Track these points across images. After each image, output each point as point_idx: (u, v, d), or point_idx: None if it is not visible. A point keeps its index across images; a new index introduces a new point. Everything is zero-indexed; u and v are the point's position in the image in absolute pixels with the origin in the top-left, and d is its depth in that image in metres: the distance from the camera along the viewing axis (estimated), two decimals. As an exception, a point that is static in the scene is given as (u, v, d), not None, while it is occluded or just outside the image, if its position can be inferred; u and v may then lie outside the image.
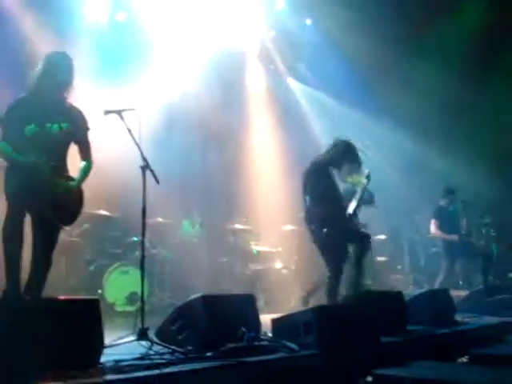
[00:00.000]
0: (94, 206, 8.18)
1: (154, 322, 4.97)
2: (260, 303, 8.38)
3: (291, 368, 4.34)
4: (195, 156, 10.11)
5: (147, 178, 5.02)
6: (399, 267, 11.89)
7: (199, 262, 9.34)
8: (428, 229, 10.26)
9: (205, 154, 10.32)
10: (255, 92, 12.06)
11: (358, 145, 7.70)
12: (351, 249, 7.08)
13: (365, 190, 7.38)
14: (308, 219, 7.00)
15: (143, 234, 5.04)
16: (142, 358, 4.07)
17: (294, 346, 4.52)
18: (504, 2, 11.23)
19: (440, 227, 9.95)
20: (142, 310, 4.87)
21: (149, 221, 7.26)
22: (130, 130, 5.02)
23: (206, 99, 10.45)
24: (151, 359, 4.08)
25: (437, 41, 11.36)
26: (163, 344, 4.49)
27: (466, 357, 5.44)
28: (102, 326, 3.92)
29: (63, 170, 5.13)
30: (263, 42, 12.05)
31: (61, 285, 7.64)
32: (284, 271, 9.87)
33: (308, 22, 12.21)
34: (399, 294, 6.43)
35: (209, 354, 4.16)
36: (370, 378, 4.17)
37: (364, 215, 10.41)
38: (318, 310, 4.83)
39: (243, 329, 4.42)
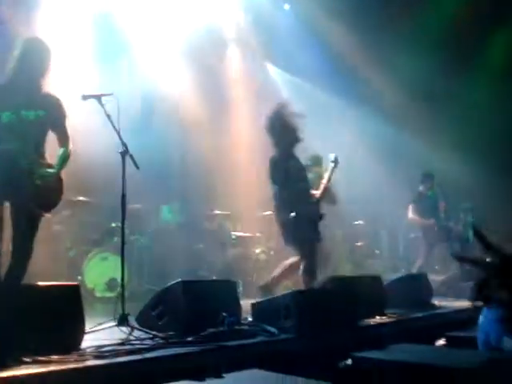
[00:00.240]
0: (73, 192, 8.13)
1: (133, 308, 4.98)
2: (239, 288, 8.42)
3: (271, 352, 4.39)
4: (174, 142, 10.07)
5: (126, 164, 5.01)
6: (378, 252, 11.98)
7: (178, 248, 9.33)
8: (406, 214, 10.36)
9: (184, 141, 10.28)
10: (233, 77, 12.02)
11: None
12: None
13: (332, 173, 7.37)
14: (277, 206, 6.99)
15: (123, 220, 5.03)
16: (122, 344, 4.09)
17: (273, 329, 4.56)
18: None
19: (418, 212, 10.04)
20: (122, 295, 4.88)
21: (128, 207, 7.25)
22: (108, 116, 5.00)
23: (184, 85, 10.41)
24: (132, 344, 4.10)
25: (417, 29, 11.39)
26: (144, 329, 4.51)
27: (443, 339, 5.53)
28: (83, 312, 3.93)
29: (41, 157, 5.08)
30: (241, 26, 12.00)
31: (40, 271, 7.58)
32: (263, 256, 9.89)
33: (286, 6, 12.18)
34: (378, 278, 6.50)
35: (189, 338, 4.19)
36: (349, 361, 4.21)
37: (342, 201, 10.52)
38: (297, 295, 4.88)
39: (223, 313, 4.45)
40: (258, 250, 9.40)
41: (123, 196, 4.98)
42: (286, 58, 12.42)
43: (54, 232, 8.30)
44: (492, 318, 4.78)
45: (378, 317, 5.83)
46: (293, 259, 7.07)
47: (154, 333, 4.36)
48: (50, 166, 5.09)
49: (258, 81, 12.23)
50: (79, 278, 8.07)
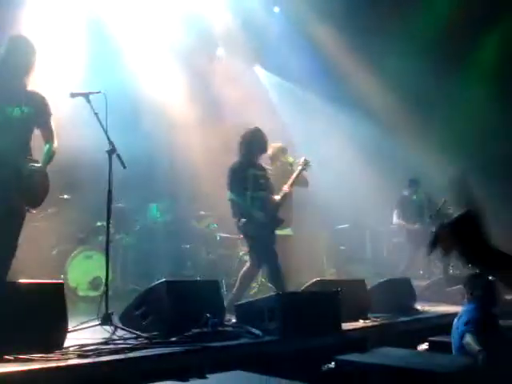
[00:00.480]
0: (58, 190, 8.10)
1: (116, 308, 4.96)
2: (223, 289, 8.41)
3: (255, 353, 4.39)
4: (162, 142, 10.04)
5: (113, 162, 5.00)
6: (361, 256, 12.01)
7: (164, 247, 9.32)
8: (391, 218, 10.39)
9: (172, 141, 10.25)
10: (222, 79, 12.00)
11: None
12: None
13: (298, 176, 7.54)
14: (232, 214, 7.14)
15: (108, 219, 5.02)
16: (106, 343, 4.08)
17: (257, 331, 4.56)
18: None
19: (403, 217, 10.08)
20: (106, 294, 4.86)
21: (114, 206, 7.23)
22: (96, 114, 4.99)
23: (172, 85, 10.39)
24: (115, 344, 4.09)
25: (408, 31, 11.40)
26: (127, 329, 4.50)
27: (426, 344, 5.57)
28: (66, 310, 3.91)
29: (27, 154, 5.06)
30: (231, 29, 11.98)
31: (23, 269, 7.54)
32: (247, 258, 9.88)
33: (276, 9, 12.19)
34: (361, 282, 6.53)
35: (173, 339, 4.19)
36: (332, 364, 4.23)
37: (327, 205, 10.55)
38: (282, 297, 4.88)
39: (207, 314, 4.45)
40: (242, 252, 9.37)
41: (109, 194, 4.96)
42: (275, 61, 12.42)
43: (37, 229, 8.25)
44: (458, 323, 4.84)
45: (361, 320, 5.85)
46: (244, 269, 7.14)
47: (137, 332, 4.35)
48: (35, 162, 5.07)
49: (247, 83, 12.22)
50: (62, 276, 8.03)
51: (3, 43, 5.06)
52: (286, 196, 7.39)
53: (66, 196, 8.66)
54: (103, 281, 5.24)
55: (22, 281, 3.91)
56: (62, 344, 3.80)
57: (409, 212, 10.07)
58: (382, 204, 10.89)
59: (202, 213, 10.09)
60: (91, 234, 8.76)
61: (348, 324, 5.45)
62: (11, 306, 3.55)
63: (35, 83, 5.23)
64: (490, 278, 6.02)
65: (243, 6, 11.38)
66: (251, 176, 6.98)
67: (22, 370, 3.17)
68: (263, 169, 7.27)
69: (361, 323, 5.77)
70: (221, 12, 11.49)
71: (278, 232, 7.35)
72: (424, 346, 5.59)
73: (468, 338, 4.57)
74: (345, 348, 4.61)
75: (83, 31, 9.22)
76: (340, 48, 11.61)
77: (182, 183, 10.06)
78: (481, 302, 5.00)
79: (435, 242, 1.50)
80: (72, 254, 8.32)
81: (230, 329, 4.64)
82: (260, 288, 9.26)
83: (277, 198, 7.24)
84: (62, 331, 3.87)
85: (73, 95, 5.12)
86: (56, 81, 7.25)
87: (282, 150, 8.18)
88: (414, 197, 10.29)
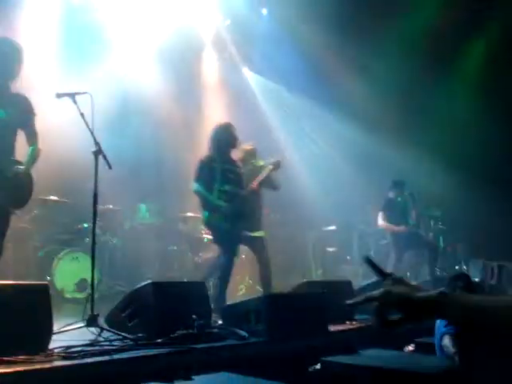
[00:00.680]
0: (44, 191, 8.06)
1: (103, 309, 4.94)
2: (210, 291, 8.38)
3: (241, 355, 4.38)
4: (149, 143, 10.03)
5: (99, 163, 4.98)
6: (348, 258, 12.04)
7: (151, 249, 9.30)
8: (376, 221, 10.40)
9: (158, 141, 10.24)
10: (209, 80, 12.01)
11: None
12: None
13: (267, 175, 7.57)
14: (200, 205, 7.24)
15: (94, 221, 5.00)
16: (91, 345, 4.06)
17: (243, 333, 4.55)
18: (457, 1, 11.42)
19: (388, 219, 10.09)
20: (91, 296, 4.84)
21: (100, 207, 7.20)
22: (82, 115, 4.97)
23: (159, 86, 10.37)
24: (101, 345, 4.07)
25: (394, 36, 11.45)
26: (113, 330, 4.47)
27: (412, 345, 5.58)
28: (51, 312, 3.88)
29: (11, 155, 5.04)
30: (218, 30, 11.99)
31: (9, 271, 7.51)
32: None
33: (264, 11, 12.19)
34: (348, 284, 6.53)
35: (159, 340, 4.17)
36: (318, 366, 4.23)
37: (315, 206, 10.58)
38: (268, 298, 4.88)
39: (193, 316, 4.43)
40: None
41: (95, 196, 4.94)
42: (263, 63, 12.43)
43: (23, 231, 8.21)
44: (440, 325, 4.87)
45: (348, 322, 5.85)
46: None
47: (123, 334, 4.33)
48: (19, 163, 5.05)
49: (234, 84, 12.23)
50: (48, 278, 7.98)
51: None
52: (254, 193, 7.43)
53: (52, 197, 8.62)
54: (89, 282, 5.22)
55: (6, 282, 3.88)
56: (47, 346, 3.78)
57: (394, 214, 10.08)
58: (370, 205, 10.93)
59: (190, 214, 10.07)
60: (78, 236, 8.71)
61: (335, 325, 5.46)
62: (-5, 307, 3.52)
63: (21, 84, 5.21)
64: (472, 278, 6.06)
65: (231, 7, 11.39)
66: (219, 169, 7.02)
67: (6, 372, 3.14)
68: (233, 164, 7.30)
69: (347, 324, 5.78)
70: (209, 13, 11.50)
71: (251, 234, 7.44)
72: (410, 348, 5.60)
73: (446, 340, 4.59)
74: (331, 349, 4.60)
75: (70, 31, 9.19)
76: (327, 50, 11.63)
77: (170, 184, 10.06)
78: None
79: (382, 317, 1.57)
80: (58, 256, 8.26)
81: (216, 330, 4.63)
82: (247, 289, 9.27)
83: (244, 192, 7.27)
84: (47, 333, 3.84)
85: (59, 95, 5.10)
86: (42, 81, 7.22)
87: (251, 153, 8.14)
88: (399, 198, 10.32)
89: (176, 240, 9.92)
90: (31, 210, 8.18)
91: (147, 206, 9.96)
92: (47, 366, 3.41)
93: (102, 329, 4.50)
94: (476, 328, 1.41)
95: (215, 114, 11.60)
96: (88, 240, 8.14)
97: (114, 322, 4.70)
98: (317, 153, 11.91)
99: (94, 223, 5.00)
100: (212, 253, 9.21)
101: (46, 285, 4.07)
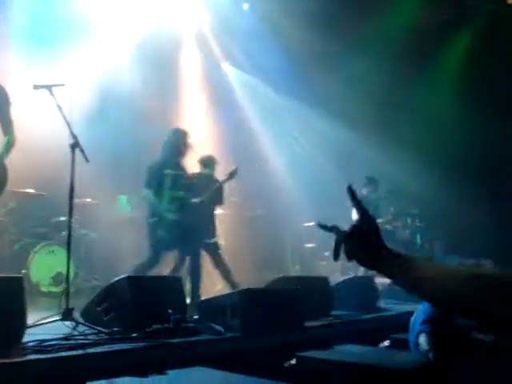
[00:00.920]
0: (20, 184, 7.99)
1: (79, 304, 4.92)
2: (186, 286, 8.38)
3: (216, 350, 4.38)
4: (127, 136, 9.97)
5: (76, 156, 4.95)
6: (327, 254, 12.06)
7: (128, 243, 9.24)
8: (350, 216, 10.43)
9: (137, 135, 10.18)
10: (189, 74, 11.97)
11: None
12: None
13: (223, 183, 7.77)
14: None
15: (70, 214, 4.96)
16: (66, 338, 4.03)
17: (219, 328, 4.55)
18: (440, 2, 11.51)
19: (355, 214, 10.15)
20: (67, 289, 4.81)
21: (77, 201, 7.17)
22: (59, 107, 4.93)
23: (139, 79, 10.31)
24: (76, 339, 4.05)
25: (377, 32, 11.49)
26: (88, 324, 4.45)
27: (388, 341, 5.61)
28: (24, 305, 3.86)
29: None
30: (200, 25, 11.95)
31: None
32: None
33: (245, 6, 12.17)
34: (324, 280, 6.55)
35: (134, 334, 4.15)
36: (293, 361, 4.24)
37: (293, 202, 10.60)
38: (244, 294, 4.87)
39: (169, 310, 4.43)
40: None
41: (71, 189, 4.90)
42: (244, 58, 12.41)
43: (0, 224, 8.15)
44: (415, 322, 4.91)
45: (324, 318, 5.87)
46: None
47: (98, 328, 4.31)
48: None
49: (215, 79, 12.20)
50: (24, 271, 7.92)
51: None
52: (208, 201, 7.56)
53: (28, 190, 8.55)
54: (66, 276, 5.18)
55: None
56: (21, 339, 3.75)
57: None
58: (348, 202, 10.94)
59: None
60: (54, 229, 8.66)
61: (311, 321, 5.47)
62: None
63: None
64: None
65: (213, 2, 11.35)
66: (170, 175, 7.08)
67: (-23, 366, 3.12)
68: (185, 170, 7.38)
69: (323, 320, 5.80)
70: (190, 8, 11.46)
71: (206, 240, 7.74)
72: (386, 344, 5.64)
73: (421, 338, 4.63)
74: (307, 345, 4.61)
75: (49, 23, 9.12)
76: (309, 47, 11.65)
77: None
78: None
79: (338, 248, 1.59)
80: (34, 249, 8.22)
81: (191, 325, 4.62)
82: (225, 285, 9.25)
83: (196, 200, 7.35)
84: (21, 326, 3.81)
85: (36, 87, 5.05)
86: (19, 73, 7.15)
87: (209, 161, 8.24)
88: (372, 196, 10.39)
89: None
90: (7, 202, 8.11)
91: (128, 197, 9.90)
92: (21, 359, 3.38)
93: (78, 323, 4.48)
94: (418, 293, 1.42)
95: (195, 108, 11.59)
96: (64, 233, 8.06)
97: (89, 315, 4.68)
98: (297, 149, 11.91)
99: (70, 216, 4.97)
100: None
101: (19, 277, 4.04)
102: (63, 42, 9.14)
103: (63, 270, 7.01)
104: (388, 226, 10.36)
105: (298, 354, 4.24)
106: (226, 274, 7.92)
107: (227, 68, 12.83)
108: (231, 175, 7.70)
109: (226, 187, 8.22)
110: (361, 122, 11.99)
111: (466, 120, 11.41)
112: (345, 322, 6.04)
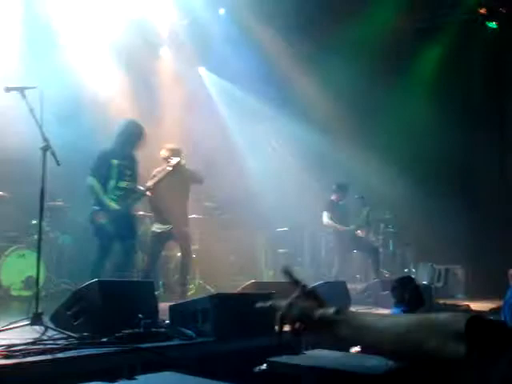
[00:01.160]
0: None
1: (49, 308, 4.88)
2: (159, 290, 8.37)
3: (187, 355, 4.37)
4: (101, 138, 9.89)
5: (48, 159, 4.91)
6: (300, 259, 12.11)
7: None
8: (321, 221, 10.48)
9: (110, 137, 10.11)
10: (164, 77, 11.94)
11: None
12: None
13: (165, 175, 7.76)
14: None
15: (41, 217, 4.93)
16: (34, 343, 3.99)
17: (190, 332, 4.53)
18: (414, 7, 11.59)
19: (331, 220, 10.22)
20: (36, 294, 4.77)
21: (49, 204, 7.11)
22: (31, 109, 4.89)
23: (113, 81, 10.26)
24: (44, 344, 4.01)
25: (351, 39, 11.55)
26: (58, 329, 4.41)
27: (359, 346, 5.63)
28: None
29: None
30: (175, 29, 11.92)
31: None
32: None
33: (221, 11, 12.17)
34: (297, 285, 6.55)
35: (104, 339, 4.13)
36: (264, 366, 4.24)
37: (267, 207, 10.61)
38: (215, 298, 4.86)
39: (140, 315, 4.40)
40: (179, 253, 9.31)
41: (42, 192, 4.87)
42: (219, 63, 12.40)
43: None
44: None
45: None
46: None
47: (67, 333, 4.27)
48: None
49: (190, 83, 12.18)
50: (-6, 275, 7.84)
51: None
52: (148, 189, 7.66)
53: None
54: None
55: None
56: (-12, 344, 3.71)
57: (335, 216, 10.23)
58: (322, 207, 11.00)
59: (141, 212, 9.97)
60: (25, 233, 8.57)
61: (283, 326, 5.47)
62: None
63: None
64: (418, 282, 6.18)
65: (188, 6, 11.33)
66: (115, 165, 7.12)
67: None
68: (134, 160, 7.41)
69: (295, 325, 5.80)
70: (166, 12, 11.42)
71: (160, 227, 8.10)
72: (357, 348, 5.66)
73: None
74: (279, 350, 4.62)
75: (21, 24, 9.04)
76: (283, 52, 11.69)
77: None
78: (408, 305, 5.11)
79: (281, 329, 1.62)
80: (5, 253, 8.13)
81: (162, 330, 4.60)
82: (197, 289, 9.24)
83: (142, 189, 7.49)
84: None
85: (7, 89, 5.01)
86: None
87: (176, 153, 8.33)
88: (341, 203, 10.46)
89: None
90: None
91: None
92: (-13, 364, 3.35)
93: (47, 327, 4.44)
94: (366, 347, 1.45)
95: (170, 111, 11.56)
96: (36, 237, 8.01)
97: (59, 320, 4.64)
98: (270, 153, 11.94)
99: (41, 220, 4.94)
100: (163, 251, 9.17)
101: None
102: (35, 43, 9.06)
103: (34, 273, 6.97)
104: (359, 233, 10.44)
105: (269, 359, 4.24)
106: (183, 259, 8.29)
107: (202, 72, 12.81)
108: (175, 166, 7.78)
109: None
110: (335, 126, 12.05)
111: (439, 127, 11.52)
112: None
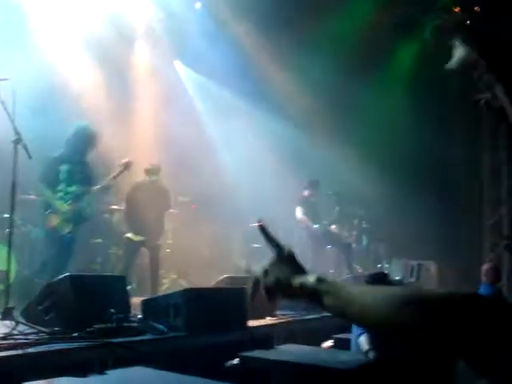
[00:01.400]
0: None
1: (21, 302, 4.84)
2: (133, 285, 8.35)
3: (159, 349, 4.37)
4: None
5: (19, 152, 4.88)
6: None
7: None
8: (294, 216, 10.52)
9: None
10: (140, 71, 11.86)
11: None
12: None
13: (117, 175, 7.79)
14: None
15: (12, 210, 4.90)
16: (4, 338, 3.97)
17: (162, 327, 4.53)
18: (393, 2, 11.65)
19: (305, 216, 10.28)
20: (7, 288, 4.74)
21: (21, 197, 7.04)
22: (3, 102, 4.85)
23: (87, 74, 10.17)
24: (15, 339, 3.99)
25: (329, 33, 11.54)
26: (28, 324, 4.39)
27: (331, 341, 5.69)
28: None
29: None
30: (151, 23, 11.84)
31: None
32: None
33: (198, 5, 12.12)
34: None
35: (75, 334, 4.11)
36: (236, 361, 4.26)
37: (241, 203, 10.61)
38: (188, 293, 4.86)
39: (112, 309, 4.39)
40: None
41: (13, 185, 4.83)
42: (195, 57, 12.35)
43: None
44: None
45: (268, 318, 5.91)
46: None
47: (38, 327, 4.25)
48: None
49: (166, 77, 12.12)
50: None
51: None
52: (101, 189, 7.65)
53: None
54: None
55: None
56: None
57: (308, 213, 10.29)
58: (295, 203, 11.03)
59: (115, 207, 9.93)
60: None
61: (255, 321, 5.50)
62: None
63: None
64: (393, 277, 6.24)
65: (165, 0, 11.28)
66: (66, 170, 7.13)
67: None
68: (85, 165, 7.43)
69: (267, 320, 5.83)
70: (142, 5, 11.35)
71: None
72: (329, 343, 5.71)
73: (361, 338, 4.73)
74: (251, 345, 4.64)
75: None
76: (259, 47, 11.67)
77: (95, 176, 9.90)
78: None
79: (256, 289, 1.55)
80: (-24, 247, 8.03)
81: (134, 324, 4.60)
82: (171, 284, 9.23)
83: (92, 190, 7.44)
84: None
85: (-22, 82, 4.96)
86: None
87: (151, 171, 8.72)
88: (313, 199, 10.52)
89: (101, 232, 9.76)
90: None
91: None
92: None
93: (18, 322, 4.41)
94: (347, 319, 1.39)
95: (145, 106, 11.50)
96: (7, 231, 7.93)
97: (30, 315, 4.61)
98: (246, 148, 11.92)
99: (12, 213, 4.90)
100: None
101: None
102: (8, 36, 8.94)
103: (5, 268, 6.91)
104: (332, 228, 10.49)
105: (240, 353, 4.26)
106: (154, 276, 8.44)
107: (178, 66, 12.75)
108: (125, 167, 7.77)
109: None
110: (312, 121, 12.06)
111: (416, 123, 11.58)
112: (289, 321, 6.09)
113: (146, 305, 5.04)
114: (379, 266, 11.71)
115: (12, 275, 4.96)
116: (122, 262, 8.65)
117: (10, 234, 4.92)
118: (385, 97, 12.26)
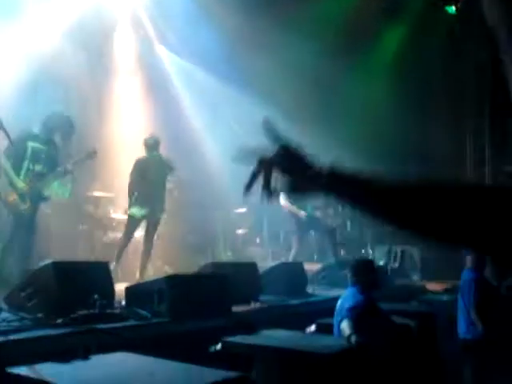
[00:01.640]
0: None
1: (4, 290, 4.84)
2: (117, 272, 8.34)
3: (143, 335, 4.39)
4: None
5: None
6: (258, 240, 12.15)
7: (56, 229, 9.08)
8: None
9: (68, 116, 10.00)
10: (124, 57, 11.79)
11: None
12: None
13: (80, 162, 7.87)
14: None
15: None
16: (-13, 325, 3.97)
17: (145, 313, 4.56)
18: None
19: (288, 201, 10.26)
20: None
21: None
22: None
23: (72, 60, 10.09)
24: (-3, 326, 3.99)
25: (311, 17, 11.50)
26: (11, 311, 4.39)
27: (314, 326, 5.73)
28: None
29: None
30: (135, 8, 11.76)
31: None
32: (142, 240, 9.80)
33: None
34: (253, 265, 6.62)
35: (58, 320, 4.12)
36: (219, 346, 4.29)
37: (225, 188, 10.63)
38: (171, 279, 4.89)
39: (95, 296, 4.40)
40: (137, 235, 9.29)
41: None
42: (179, 42, 12.28)
43: None
44: (340, 308, 5.06)
45: (252, 303, 5.94)
46: None
47: (21, 314, 4.25)
48: None
49: (149, 63, 12.06)
50: None
51: None
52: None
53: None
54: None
55: None
56: None
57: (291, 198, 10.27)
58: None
59: (99, 193, 9.90)
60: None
61: (238, 306, 5.53)
62: None
63: None
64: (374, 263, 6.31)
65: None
66: (31, 148, 7.13)
67: None
68: (52, 146, 7.40)
69: (251, 305, 5.87)
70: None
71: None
72: (312, 328, 5.75)
73: (343, 324, 4.78)
74: (234, 330, 4.68)
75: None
76: (244, 33, 11.61)
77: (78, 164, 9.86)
78: (363, 286, 5.20)
79: (254, 178, 1.50)
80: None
81: (118, 311, 4.62)
82: (156, 270, 9.24)
83: (54, 173, 7.45)
84: None
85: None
86: None
87: (151, 145, 8.73)
88: None
89: (85, 220, 9.75)
90: None
91: (61, 180, 9.68)
92: None
93: (0, 309, 4.42)
94: (364, 204, 1.36)
95: (129, 91, 11.46)
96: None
97: (13, 301, 4.62)
98: (230, 136, 11.91)
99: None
100: (120, 233, 9.15)
101: None
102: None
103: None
104: (317, 213, 10.50)
105: (224, 338, 4.30)
106: (146, 254, 8.54)
107: (162, 51, 12.68)
108: (88, 156, 7.83)
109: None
110: (295, 105, 12.03)
111: (398, 108, 11.60)
112: (272, 306, 6.13)
113: (129, 291, 5.05)
114: (363, 251, 11.78)
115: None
116: (122, 239, 8.71)
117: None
118: (368, 80, 12.25)
